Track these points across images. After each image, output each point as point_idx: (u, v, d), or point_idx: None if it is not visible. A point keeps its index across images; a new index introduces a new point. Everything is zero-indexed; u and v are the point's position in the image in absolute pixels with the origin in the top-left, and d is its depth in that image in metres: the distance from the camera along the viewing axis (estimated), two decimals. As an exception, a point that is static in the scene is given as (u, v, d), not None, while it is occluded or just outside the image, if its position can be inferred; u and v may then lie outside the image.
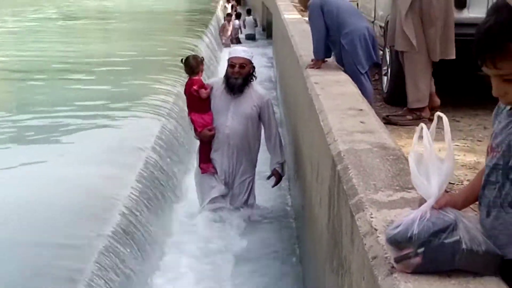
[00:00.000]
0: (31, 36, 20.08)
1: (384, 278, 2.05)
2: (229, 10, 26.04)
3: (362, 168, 3.08)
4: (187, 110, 6.41)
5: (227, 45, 20.36)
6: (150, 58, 15.17)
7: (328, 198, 3.59)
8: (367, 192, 2.77)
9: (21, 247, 5.02)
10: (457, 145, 5.16)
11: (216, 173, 6.24)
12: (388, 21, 6.80)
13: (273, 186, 6.61)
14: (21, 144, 8.23)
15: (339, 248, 3.08)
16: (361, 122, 4.01)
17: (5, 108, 10.36)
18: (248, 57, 6.11)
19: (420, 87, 6.13)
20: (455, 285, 1.93)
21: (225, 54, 17.79)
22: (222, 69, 11.21)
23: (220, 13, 27.18)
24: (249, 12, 26.46)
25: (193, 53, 6.91)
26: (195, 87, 6.07)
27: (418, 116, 6.17)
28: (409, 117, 6.25)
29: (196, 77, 6.19)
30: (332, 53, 6.50)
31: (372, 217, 2.49)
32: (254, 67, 6.18)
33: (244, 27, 24.62)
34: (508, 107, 1.90)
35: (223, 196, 6.30)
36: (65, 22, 25.67)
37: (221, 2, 30.77)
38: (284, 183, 7.36)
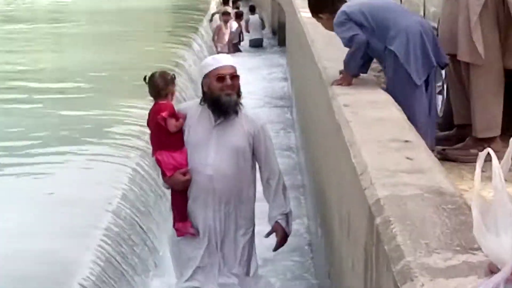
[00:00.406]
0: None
1: None
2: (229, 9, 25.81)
3: (409, 222, 3.07)
4: (151, 147, 6.09)
5: (222, 52, 20.43)
6: (117, 74, 15.23)
7: (363, 262, 3.58)
8: (417, 254, 2.75)
9: None
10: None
11: (198, 234, 5.78)
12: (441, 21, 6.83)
13: (275, 249, 6.14)
14: None
15: None
16: (408, 158, 4.02)
17: None
18: (235, 66, 5.87)
19: (492, 110, 6.12)
20: None
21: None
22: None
23: (214, 11, 27.27)
24: (252, 10, 26.07)
25: (163, 70, 6.23)
26: (163, 115, 5.66)
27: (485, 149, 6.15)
28: (473, 150, 6.21)
29: (164, 102, 5.79)
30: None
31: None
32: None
33: (247, 30, 24.64)
34: None
35: (208, 268, 5.83)
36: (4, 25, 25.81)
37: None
38: (298, 241, 7.36)
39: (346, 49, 6.23)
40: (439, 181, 3.61)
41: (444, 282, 2.51)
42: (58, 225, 6.98)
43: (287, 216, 5.93)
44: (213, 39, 21.72)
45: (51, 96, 13.20)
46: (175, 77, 6.03)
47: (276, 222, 5.88)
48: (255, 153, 5.86)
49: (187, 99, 11.75)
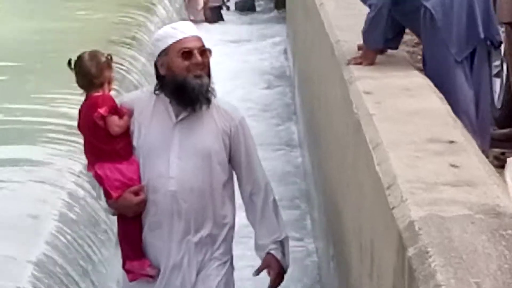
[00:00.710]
0: None
1: None
2: None
3: (454, 254, 3.08)
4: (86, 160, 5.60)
5: (199, 23, 20.43)
6: (58, 48, 15.25)
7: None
8: (450, 276, 2.79)
9: None
10: None
11: (156, 276, 5.39)
12: None
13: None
14: None
15: None
16: (453, 165, 4.03)
17: None
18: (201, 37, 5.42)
19: None
20: None
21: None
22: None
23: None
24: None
25: (94, 50, 5.44)
26: (101, 112, 5.14)
27: None
28: None
29: (100, 94, 5.29)
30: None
31: None
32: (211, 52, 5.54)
33: None
34: None
35: None
36: None
37: None
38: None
39: (362, 17, 6.18)
40: (495, 197, 3.62)
41: None
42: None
43: (282, 244, 5.54)
44: (184, 3, 21.65)
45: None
46: (111, 59, 5.45)
47: (268, 253, 5.52)
48: (233, 158, 5.50)
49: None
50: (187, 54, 5.17)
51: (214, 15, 21.91)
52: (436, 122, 4.80)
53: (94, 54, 5.33)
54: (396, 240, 3.47)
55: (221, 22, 21.75)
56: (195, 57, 5.17)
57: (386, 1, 5.72)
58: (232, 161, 5.50)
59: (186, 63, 5.16)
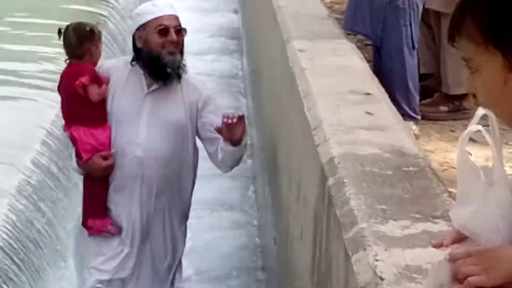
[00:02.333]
0: None
1: None
2: None
3: (365, 184, 3.11)
4: (63, 121, 5.33)
5: None
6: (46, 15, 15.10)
7: (313, 228, 3.61)
8: (371, 221, 2.79)
9: None
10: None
11: (119, 234, 5.17)
12: None
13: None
14: None
15: None
16: (368, 113, 4.04)
17: None
18: (177, 15, 5.21)
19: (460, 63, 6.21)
20: None
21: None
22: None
23: None
24: None
25: (80, 22, 5.29)
26: (83, 80, 4.90)
27: (457, 106, 6.22)
28: (443, 107, 6.30)
29: (82, 63, 5.05)
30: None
31: (377, 260, 2.51)
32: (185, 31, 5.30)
33: None
34: None
35: (122, 277, 5.25)
36: None
37: None
38: (248, 208, 7.45)
39: None
40: (401, 140, 3.64)
41: (400, 253, 2.55)
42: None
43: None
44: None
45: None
46: (93, 31, 5.18)
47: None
48: (203, 131, 5.19)
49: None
50: (163, 31, 4.98)
51: None
52: (357, 77, 4.80)
53: (77, 26, 5.15)
54: (319, 171, 3.49)
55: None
56: (171, 35, 4.99)
57: None
58: (199, 132, 5.21)
59: (162, 39, 4.97)
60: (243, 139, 4.99)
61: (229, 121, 4.80)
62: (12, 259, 5.56)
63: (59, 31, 5.13)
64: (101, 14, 12.28)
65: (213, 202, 7.27)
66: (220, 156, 5.12)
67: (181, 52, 5.11)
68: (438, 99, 6.32)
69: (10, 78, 9.60)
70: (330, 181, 3.23)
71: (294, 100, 4.59)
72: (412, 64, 6.08)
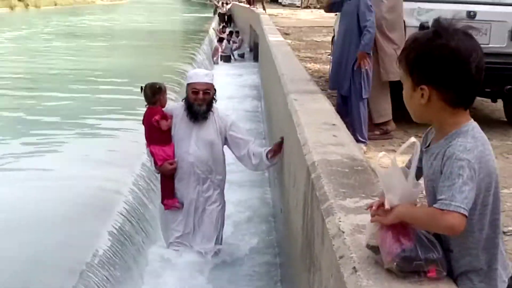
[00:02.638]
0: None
1: (349, 276, 2.09)
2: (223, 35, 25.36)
3: (333, 177, 3.10)
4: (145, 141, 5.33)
5: (216, 63, 20.43)
6: (151, 68, 15.17)
7: (303, 203, 3.60)
8: (336, 198, 2.79)
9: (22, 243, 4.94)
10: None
11: (182, 207, 5.27)
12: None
13: (274, 154, 5.19)
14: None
15: (311, 248, 3.10)
16: (334, 135, 4.03)
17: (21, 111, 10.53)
18: (210, 82, 5.17)
19: (382, 103, 6.22)
20: (412, 283, 1.97)
21: (215, 72, 17.94)
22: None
23: (212, 32, 27.03)
24: (238, 34, 25.84)
25: (153, 82, 5.27)
26: (156, 118, 5.02)
27: (384, 130, 6.22)
28: (376, 132, 6.29)
29: (154, 107, 5.12)
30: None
31: (340, 221, 2.51)
32: (215, 90, 5.24)
33: (238, 47, 24.16)
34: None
35: (188, 234, 5.32)
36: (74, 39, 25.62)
37: (213, 24, 30.62)
38: (264, 185, 7.43)
39: (292, 64, 6.19)
40: (353, 152, 3.63)
41: (353, 217, 2.56)
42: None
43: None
44: (212, 55, 21.35)
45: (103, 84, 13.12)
46: (160, 88, 5.17)
47: (265, 151, 5.20)
48: (230, 138, 5.25)
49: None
50: (195, 92, 5.03)
51: (226, 59, 21.54)
52: (327, 115, 4.77)
53: (151, 84, 5.16)
54: (306, 170, 3.47)
55: (229, 63, 21.42)
56: (199, 94, 5.01)
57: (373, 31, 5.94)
58: (228, 141, 5.26)
59: (194, 96, 5.04)
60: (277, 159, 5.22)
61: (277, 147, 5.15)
62: (131, 223, 5.63)
63: (141, 88, 5.14)
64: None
65: (240, 181, 7.11)
66: (254, 162, 5.23)
67: (208, 104, 5.08)
68: (371, 127, 6.32)
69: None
70: (313, 175, 3.23)
71: (292, 128, 4.58)
72: (363, 108, 6.09)
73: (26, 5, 59.56)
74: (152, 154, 5.13)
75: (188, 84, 5.15)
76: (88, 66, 16.46)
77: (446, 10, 6.04)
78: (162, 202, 5.28)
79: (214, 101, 5.18)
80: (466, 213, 1.83)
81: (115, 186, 6.25)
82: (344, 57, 6.07)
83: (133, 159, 6.85)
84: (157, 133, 5.07)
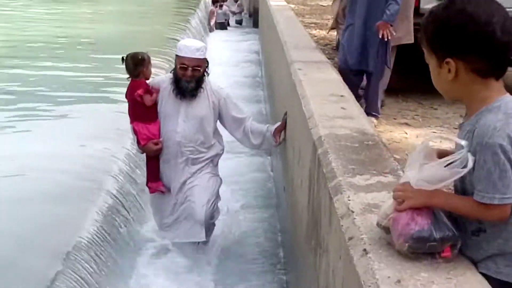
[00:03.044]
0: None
1: (359, 258, 2.10)
2: None
3: (341, 153, 3.10)
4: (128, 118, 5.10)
5: (211, 30, 20.38)
6: (139, 35, 15.03)
7: (308, 180, 3.60)
8: (345, 176, 2.79)
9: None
10: (434, 132, 5.22)
11: (169, 192, 5.08)
12: None
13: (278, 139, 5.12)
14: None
15: (318, 228, 3.12)
16: (342, 108, 4.02)
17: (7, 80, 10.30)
18: (202, 57, 4.86)
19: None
20: (426, 265, 1.99)
21: (211, 39, 17.73)
22: (209, 52, 11.09)
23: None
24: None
25: (135, 52, 4.96)
26: (139, 92, 4.77)
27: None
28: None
29: (138, 80, 4.86)
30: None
31: (349, 200, 2.52)
32: (208, 63, 4.96)
33: (233, 13, 24.06)
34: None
35: (177, 220, 5.13)
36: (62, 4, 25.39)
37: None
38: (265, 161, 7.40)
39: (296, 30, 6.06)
40: (363, 125, 3.63)
41: (364, 195, 2.57)
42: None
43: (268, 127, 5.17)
44: (208, 19, 21.27)
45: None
46: (143, 58, 4.90)
47: (269, 130, 5.12)
48: (225, 116, 5.06)
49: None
50: (184, 67, 4.77)
51: (222, 26, 21.44)
52: (334, 86, 4.77)
53: (133, 54, 4.89)
54: (312, 145, 3.47)
55: (225, 30, 21.31)
56: (187, 71, 4.75)
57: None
58: (222, 118, 5.08)
59: (182, 72, 4.78)
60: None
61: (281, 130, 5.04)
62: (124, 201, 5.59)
63: (122, 59, 4.90)
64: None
65: (238, 150, 7.03)
66: (255, 142, 5.12)
67: (198, 80, 4.83)
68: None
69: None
70: (319, 151, 3.24)
71: (296, 100, 4.58)
72: (386, 79, 6.07)
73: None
74: (135, 132, 4.94)
75: (177, 56, 4.89)
76: (72, 33, 16.29)
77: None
78: (147, 184, 5.17)
79: (206, 75, 4.94)
80: (511, 201, 1.85)
81: (104, 162, 6.22)
82: (371, 33, 5.77)
83: (123, 134, 6.64)
84: (141, 109, 4.86)
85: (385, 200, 2.23)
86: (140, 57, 4.85)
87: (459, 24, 1.91)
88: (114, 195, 5.54)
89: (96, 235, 4.84)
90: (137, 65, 4.82)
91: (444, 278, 1.93)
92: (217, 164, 5.24)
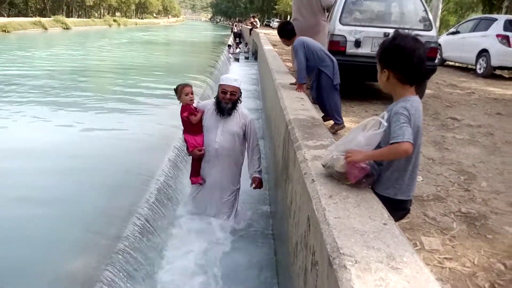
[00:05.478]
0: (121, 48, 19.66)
1: (309, 184, 2.11)
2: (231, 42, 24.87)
3: (301, 128, 3.07)
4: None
5: (236, 60, 19.81)
6: (189, 64, 14.87)
7: (283, 143, 3.56)
8: (303, 140, 2.77)
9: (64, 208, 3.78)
10: (351, 119, 5.10)
11: (204, 183, 4.10)
12: None
13: (254, 188, 4.08)
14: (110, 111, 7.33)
15: (288, 169, 3.09)
16: (302, 104, 3.96)
17: (101, 90, 9.55)
18: (238, 86, 3.96)
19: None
20: (346, 188, 1.99)
21: (232, 67, 17.46)
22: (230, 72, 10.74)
23: (230, 42, 26.51)
24: (245, 44, 25.19)
25: (178, 84, 3.98)
26: (185, 114, 3.94)
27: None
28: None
29: (186, 104, 3.95)
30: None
31: (305, 153, 2.50)
32: (241, 92, 4.02)
33: (244, 52, 23.57)
34: None
35: (209, 204, 4.13)
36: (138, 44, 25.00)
37: (231, 38, 30.03)
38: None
39: (277, 62, 5.71)
40: (314, 114, 3.57)
41: (313, 151, 2.53)
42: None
43: (259, 172, 4.07)
44: (229, 52, 20.86)
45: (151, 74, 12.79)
46: (176, 90, 3.91)
47: (254, 176, 4.05)
48: (246, 136, 4.07)
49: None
50: (224, 92, 3.86)
51: (236, 60, 20.88)
52: (298, 92, 4.57)
53: (178, 86, 3.92)
54: (285, 124, 3.40)
55: (238, 62, 20.92)
56: (227, 94, 3.84)
57: (302, 66, 4.29)
58: (245, 137, 4.03)
59: (222, 95, 3.86)
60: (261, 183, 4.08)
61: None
62: (166, 190, 4.44)
63: (174, 89, 3.93)
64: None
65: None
66: (249, 161, 4.14)
67: (234, 103, 3.92)
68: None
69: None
70: (289, 127, 3.19)
71: (277, 99, 4.47)
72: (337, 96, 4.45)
73: (118, 24, 58.56)
74: (185, 140, 4.07)
75: (219, 85, 4.01)
76: (152, 61, 16.17)
77: (371, 31, 5.93)
78: (190, 178, 4.20)
79: (239, 102, 4.01)
80: (412, 141, 1.81)
81: (153, 164, 4.94)
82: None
83: (169, 141, 5.54)
84: (190, 126, 4.01)
85: (324, 154, 2.22)
86: (174, 89, 3.97)
87: (393, 51, 1.90)
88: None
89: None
90: (181, 94, 3.92)
91: (355, 195, 1.96)
92: (240, 171, 4.18)
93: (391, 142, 1.83)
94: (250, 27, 25.04)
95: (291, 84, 4.88)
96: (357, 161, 1.93)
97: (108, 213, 3.73)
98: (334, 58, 4.27)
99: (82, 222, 3.58)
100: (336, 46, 5.91)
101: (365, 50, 5.87)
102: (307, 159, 2.40)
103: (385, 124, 1.87)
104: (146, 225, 3.59)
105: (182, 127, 4.05)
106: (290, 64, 10.47)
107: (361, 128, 1.97)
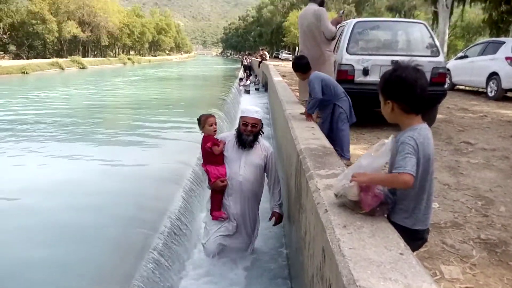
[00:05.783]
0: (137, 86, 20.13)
1: (323, 214, 2.09)
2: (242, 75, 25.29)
3: (313, 157, 3.07)
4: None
5: (247, 92, 19.96)
6: (203, 97, 15.09)
7: (295, 172, 3.55)
8: (315, 170, 2.76)
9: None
10: (363, 146, 5.12)
11: (227, 218, 3.87)
12: None
13: (274, 225, 4.00)
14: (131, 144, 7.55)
15: (300, 198, 3.07)
16: (313, 133, 3.96)
17: (120, 124, 9.94)
18: (259, 117, 3.83)
19: None
20: (360, 215, 1.97)
21: (243, 98, 17.66)
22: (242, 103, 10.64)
23: (241, 75, 26.97)
24: (255, 76, 25.65)
25: (205, 113, 3.91)
26: (208, 145, 3.76)
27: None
28: None
29: (209, 135, 3.80)
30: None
31: (317, 183, 2.49)
32: (262, 124, 3.89)
33: (254, 83, 23.94)
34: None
35: (229, 235, 3.90)
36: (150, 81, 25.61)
37: (241, 71, 30.62)
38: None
39: (287, 93, 5.71)
40: (324, 143, 3.57)
41: (325, 180, 2.51)
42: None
43: (280, 205, 3.99)
44: (239, 85, 21.17)
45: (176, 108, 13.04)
46: (200, 120, 3.81)
47: (274, 210, 3.97)
48: (266, 168, 3.94)
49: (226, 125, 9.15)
50: (245, 124, 3.77)
51: (247, 92, 21.09)
52: (308, 122, 4.58)
53: (202, 117, 3.81)
54: (296, 153, 3.39)
55: (248, 94, 21.18)
56: (248, 127, 3.75)
57: (318, 98, 4.23)
58: (266, 169, 3.93)
59: (244, 128, 3.77)
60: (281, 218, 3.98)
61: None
62: (181, 220, 4.35)
63: (197, 120, 3.83)
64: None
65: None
66: (270, 195, 4.06)
67: (255, 135, 3.81)
68: None
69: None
70: (301, 156, 3.19)
71: (287, 129, 4.47)
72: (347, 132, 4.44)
73: (132, 62, 60.61)
74: (207, 172, 3.83)
75: (240, 117, 3.86)
76: (165, 96, 16.50)
77: (379, 60, 5.99)
78: (211, 213, 3.90)
79: (261, 133, 3.86)
80: (413, 174, 1.79)
81: (176, 179, 5.26)
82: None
83: (186, 167, 5.75)
84: (211, 157, 3.80)
85: (336, 183, 2.20)
86: (197, 119, 3.85)
87: (394, 83, 1.91)
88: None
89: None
90: (204, 124, 3.80)
91: (370, 224, 1.92)
92: (260, 198, 4.04)
93: (393, 171, 1.82)
94: (260, 60, 25.56)
95: (301, 113, 4.92)
96: (361, 182, 1.92)
97: (122, 250, 3.76)
98: (348, 96, 4.28)
99: (96, 258, 3.60)
100: (344, 75, 5.96)
101: (373, 78, 5.91)
102: (319, 189, 2.38)
103: (389, 148, 1.87)
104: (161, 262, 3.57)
105: (202, 159, 3.86)
106: (298, 94, 10.57)
107: (371, 153, 1.96)
